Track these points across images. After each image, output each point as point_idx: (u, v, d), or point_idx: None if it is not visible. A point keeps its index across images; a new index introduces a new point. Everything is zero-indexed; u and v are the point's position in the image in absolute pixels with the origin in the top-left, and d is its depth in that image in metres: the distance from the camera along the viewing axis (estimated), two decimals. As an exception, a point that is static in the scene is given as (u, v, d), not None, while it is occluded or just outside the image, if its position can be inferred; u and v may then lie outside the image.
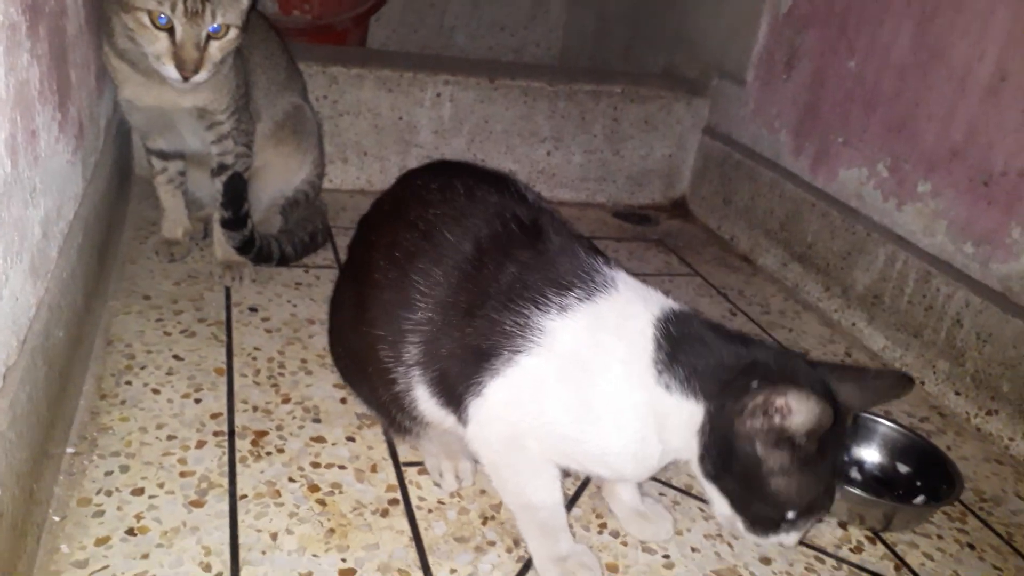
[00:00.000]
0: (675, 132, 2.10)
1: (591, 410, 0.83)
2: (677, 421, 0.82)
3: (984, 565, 1.04)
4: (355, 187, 1.95)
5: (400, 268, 0.92)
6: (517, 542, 0.95)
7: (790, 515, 0.81)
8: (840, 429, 0.81)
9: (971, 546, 1.07)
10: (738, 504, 0.82)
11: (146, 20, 1.15)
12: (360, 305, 0.97)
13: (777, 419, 0.76)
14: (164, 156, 1.44)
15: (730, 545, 1.00)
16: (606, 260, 0.90)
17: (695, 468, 0.84)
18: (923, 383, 1.43)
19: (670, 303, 0.87)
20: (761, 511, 0.81)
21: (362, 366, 0.99)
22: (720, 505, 0.84)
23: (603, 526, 1.00)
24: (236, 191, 1.35)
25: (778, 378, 0.78)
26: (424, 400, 0.93)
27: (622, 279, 0.88)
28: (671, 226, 2.06)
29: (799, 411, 0.75)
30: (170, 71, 1.19)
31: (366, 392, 1.05)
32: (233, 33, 1.21)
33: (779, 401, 0.75)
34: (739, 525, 0.84)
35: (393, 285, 0.92)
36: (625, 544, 0.98)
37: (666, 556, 0.97)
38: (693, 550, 0.99)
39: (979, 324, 1.34)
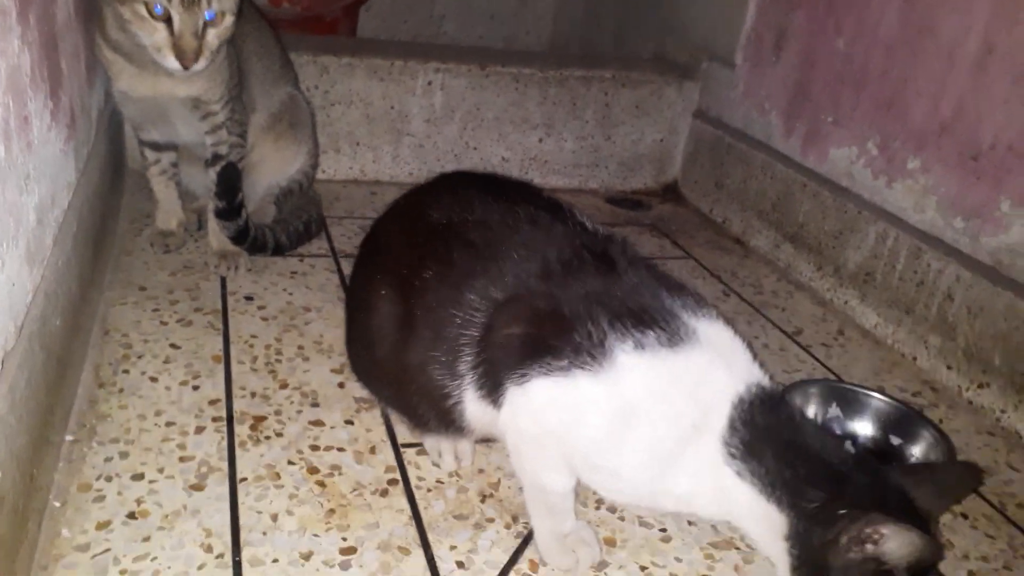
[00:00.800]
0: (666, 116, 2.11)
1: (636, 457, 0.79)
2: (749, 514, 0.78)
3: (977, 534, 1.05)
4: (348, 177, 1.95)
5: (457, 288, 0.86)
6: (515, 518, 0.96)
7: None
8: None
9: (964, 515, 1.08)
10: None
11: (143, 11, 1.15)
12: (406, 325, 0.91)
13: (871, 548, 0.71)
14: (157, 147, 1.44)
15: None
16: (693, 301, 0.83)
17: (784, 569, 0.78)
18: (915, 359, 1.45)
19: (758, 375, 0.81)
20: None
21: (403, 380, 0.93)
22: None
23: (600, 502, 1.01)
24: (230, 181, 1.36)
25: (870, 502, 0.73)
26: (471, 402, 0.88)
27: (708, 330, 0.81)
28: (664, 210, 2.06)
29: (898, 544, 0.70)
30: (171, 62, 1.18)
31: (394, 397, 1.00)
32: (228, 20, 1.21)
33: (874, 532, 0.71)
34: None
35: (450, 304, 0.86)
36: (623, 519, 0.99)
37: (663, 530, 0.98)
38: (689, 524, 1.00)
39: (970, 298, 1.35)
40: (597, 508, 1.00)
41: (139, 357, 1.16)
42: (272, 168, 1.56)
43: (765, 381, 0.81)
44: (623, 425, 0.78)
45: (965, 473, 0.86)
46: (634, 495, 0.84)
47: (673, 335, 0.78)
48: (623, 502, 0.95)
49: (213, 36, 1.20)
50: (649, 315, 0.79)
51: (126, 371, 1.13)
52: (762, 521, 0.78)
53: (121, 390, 1.09)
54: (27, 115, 0.91)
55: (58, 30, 1.10)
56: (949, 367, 1.39)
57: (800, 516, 0.75)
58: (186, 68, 1.19)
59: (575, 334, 0.78)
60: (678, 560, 0.94)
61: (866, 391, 1.20)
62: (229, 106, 1.36)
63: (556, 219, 0.89)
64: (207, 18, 1.18)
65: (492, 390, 0.85)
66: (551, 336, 0.80)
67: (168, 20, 1.16)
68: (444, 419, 0.92)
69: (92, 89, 1.38)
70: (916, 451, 1.14)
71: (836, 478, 0.75)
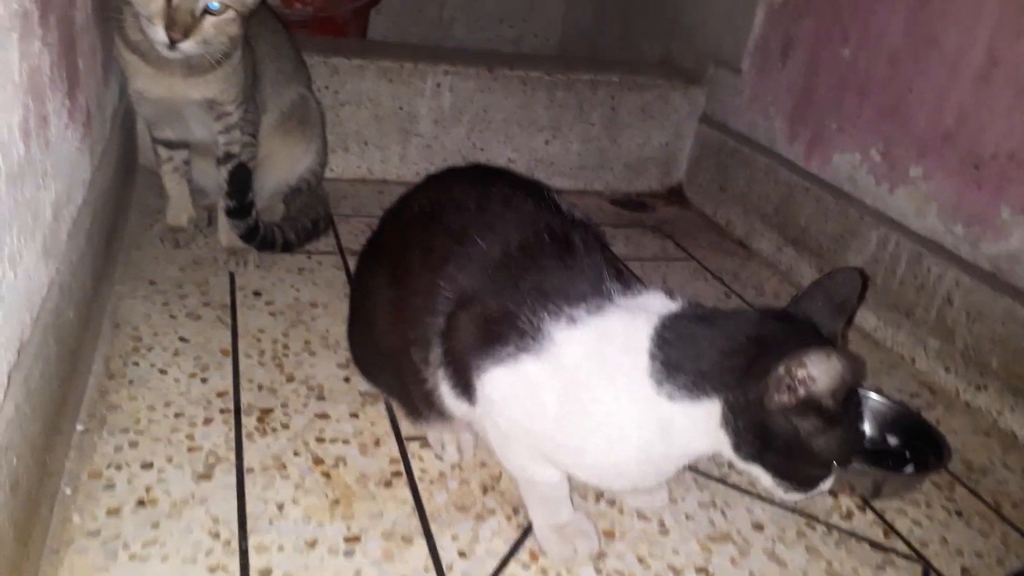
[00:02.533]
0: (672, 120, 2.12)
1: (589, 424, 0.82)
2: (691, 425, 0.81)
3: (972, 531, 1.07)
4: (356, 176, 1.98)
5: (431, 273, 0.91)
6: (516, 510, 0.98)
7: (834, 465, 0.81)
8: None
9: (959, 513, 1.10)
10: (784, 473, 0.81)
11: None
12: (394, 308, 0.97)
13: (802, 390, 0.75)
14: (170, 145, 1.47)
15: (723, 513, 1.03)
16: (625, 276, 0.90)
17: (731, 456, 0.82)
18: (914, 360, 1.46)
19: (669, 305, 0.85)
20: (807, 472, 0.81)
21: (393, 364, 0.99)
22: (765, 480, 0.83)
23: (600, 495, 1.03)
24: (241, 180, 1.38)
25: (785, 347, 0.77)
26: (448, 396, 0.93)
27: (632, 293, 0.87)
28: (668, 213, 2.08)
29: (821, 375, 0.74)
30: (158, 32, 1.18)
31: (388, 383, 1.06)
32: (230, 15, 1.22)
33: (800, 372, 0.75)
34: (788, 492, 0.83)
35: (424, 290, 0.91)
36: (621, 512, 1.01)
37: (661, 523, 1.00)
38: (687, 517, 1.02)
39: (969, 303, 1.36)
40: (597, 501, 1.02)
41: (149, 349, 1.19)
42: (282, 166, 1.59)
43: (677, 306, 0.85)
44: (573, 397, 0.82)
45: (847, 279, 0.86)
46: (608, 469, 0.86)
47: (600, 305, 0.84)
48: (617, 488, 0.96)
49: (210, 25, 1.21)
50: (581, 292, 0.85)
51: (136, 363, 1.15)
52: (706, 424, 0.80)
53: (131, 381, 1.11)
54: (46, 114, 0.93)
55: (77, 31, 1.13)
56: (947, 369, 1.40)
57: (727, 388, 0.78)
58: (172, 42, 1.18)
59: (518, 321, 0.84)
60: (675, 552, 0.96)
61: (863, 391, 1.22)
62: (243, 107, 1.39)
63: (528, 201, 0.94)
64: (210, 7, 1.20)
65: (463, 388, 0.90)
66: (498, 325, 0.85)
67: None
68: (433, 407, 0.96)
69: (107, 88, 1.40)
70: (913, 448, 1.15)
71: (748, 345, 0.79)
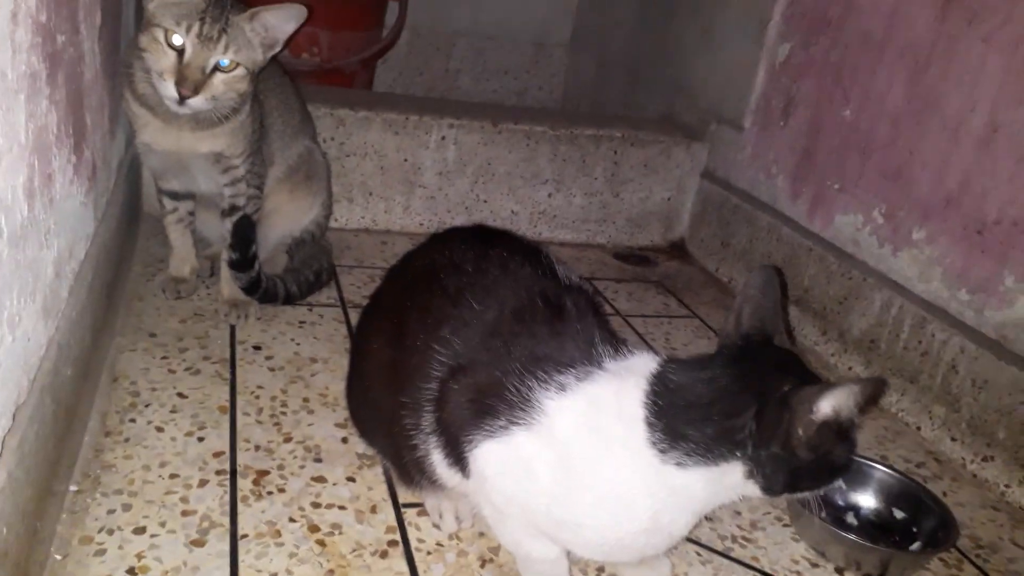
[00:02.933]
0: (674, 176, 2.14)
1: (590, 498, 0.80)
2: (713, 487, 0.80)
3: (981, 613, 1.04)
4: (360, 226, 1.98)
5: (427, 335, 0.91)
6: (515, 585, 0.96)
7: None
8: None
9: (968, 594, 1.07)
10: (814, 488, 0.82)
11: (161, 37, 1.18)
12: (389, 368, 0.96)
13: (822, 421, 0.76)
14: (176, 196, 1.47)
15: (727, 590, 1.01)
16: (616, 339, 0.89)
17: (759, 495, 0.81)
18: (919, 428, 1.45)
19: (653, 364, 0.83)
20: (831, 478, 0.82)
21: (387, 427, 0.98)
22: (794, 501, 0.84)
23: (600, 570, 1.01)
24: (244, 233, 1.38)
25: (780, 385, 0.77)
26: (440, 464, 0.91)
27: (617, 357, 0.86)
28: (670, 267, 2.08)
29: (840, 406, 0.75)
30: (168, 88, 1.19)
31: (384, 446, 1.05)
32: (240, 73, 1.24)
33: (820, 410, 0.75)
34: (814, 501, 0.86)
35: (419, 352, 0.91)
36: (622, 588, 0.99)
37: (663, 600, 0.98)
38: (690, 595, 0.99)
39: (974, 371, 1.35)
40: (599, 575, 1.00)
41: (146, 406, 1.17)
42: (286, 218, 1.59)
43: (655, 364, 0.83)
44: (569, 471, 0.80)
45: (768, 278, 0.87)
46: (612, 544, 0.84)
47: (589, 371, 0.83)
48: (622, 560, 0.94)
49: (220, 82, 1.22)
50: (570, 358, 0.83)
51: (133, 420, 1.14)
52: (726, 482, 0.79)
53: (127, 439, 1.09)
54: (51, 172, 0.93)
55: (85, 87, 1.13)
56: (953, 439, 1.38)
57: (747, 450, 0.77)
58: (182, 98, 1.19)
59: (508, 392, 0.83)
60: (677, 633, 0.94)
61: (869, 462, 1.20)
62: (250, 160, 1.39)
63: (525, 265, 0.94)
64: (220, 64, 1.21)
65: (456, 459, 0.89)
66: (489, 397, 0.84)
67: (181, 52, 1.19)
68: (425, 474, 0.95)
69: (114, 140, 1.41)
70: (919, 525, 1.13)
71: (748, 398, 0.78)
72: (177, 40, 1.18)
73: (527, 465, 0.82)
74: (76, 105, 1.08)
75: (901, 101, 1.56)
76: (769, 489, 0.79)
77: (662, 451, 0.78)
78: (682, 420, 0.78)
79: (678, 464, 0.78)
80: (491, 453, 0.84)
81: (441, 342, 0.89)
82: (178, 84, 1.19)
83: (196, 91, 1.20)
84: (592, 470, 0.80)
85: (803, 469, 0.78)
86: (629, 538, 0.83)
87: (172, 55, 1.19)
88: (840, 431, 0.77)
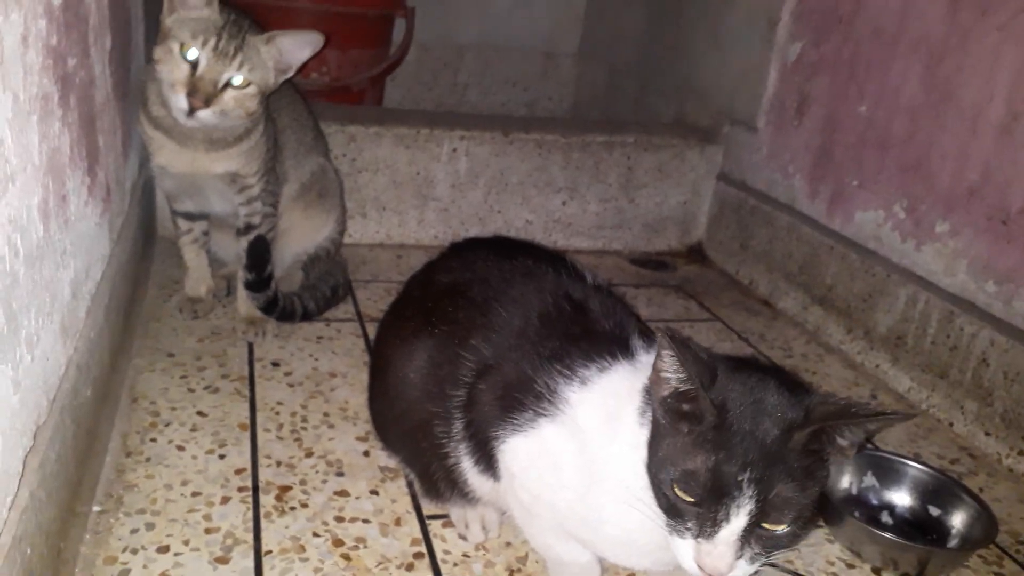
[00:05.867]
0: (689, 179, 2.12)
1: (607, 487, 0.79)
2: None
3: (1025, 611, 1.01)
4: (374, 241, 1.98)
5: (456, 345, 0.92)
6: (544, 595, 0.94)
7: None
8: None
9: (1010, 591, 1.04)
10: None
11: (176, 49, 1.19)
12: (417, 380, 0.96)
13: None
14: (191, 218, 1.48)
15: (762, 594, 0.98)
16: (644, 336, 0.89)
17: None
18: (951, 424, 1.41)
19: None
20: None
21: (415, 438, 0.98)
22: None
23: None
24: (260, 254, 1.38)
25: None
26: (470, 471, 0.93)
27: (640, 347, 0.87)
28: (689, 272, 2.06)
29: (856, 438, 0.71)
30: (180, 99, 1.20)
31: (410, 457, 1.04)
32: (252, 91, 1.24)
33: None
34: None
35: (448, 362, 0.92)
36: (654, 595, 0.96)
37: (696, 607, 0.95)
38: (724, 600, 0.97)
39: (1006, 363, 1.32)
40: (627, 583, 0.98)
41: (166, 425, 1.17)
42: (301, 236, 1.58)
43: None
44: (589, 461, 0.80)
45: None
46: (637, 543, 0.81)
47: (612, 364, 0.84)
48: (649, 566, 0.91)
49: (230, 98, 1.22)
50: (594, 352, 0.84)
51: (153, 439, 1.13)
52: None
53: (148, 459, 1.09)
54: (65, 194, 0.93)
55: (97, 109, 1.14)
56: (987, 433, 1.35)
57: None
58: (192, 109, 1.20)
59: (535, 384, 0.84)
60: (712, 640, 0.91)
61: (902, 459, 1.17)
62: (264, 179, 1.39)
63: (550, 272, 0.96)
64: (232, 81, 1.22)
65: (486, 463, 0.90)
66: (516, 392, 0.85)
67: (195, 65, 1.19)
68: (455, 485, 0.95)
69: (127, 162, 1.42)
70: (956, 521, 1.10)
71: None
72: (192, 54, 1.19)
73: (553, 459, 0.83)
74: (88, 127, 1.08)
75: (917, 94, 1.54)
76: None
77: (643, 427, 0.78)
78: None
79: None
80: (519, 448, 0.85)
81: (471, 350, 0.90)
82: (189, 95, 1.19)
83: (207, 103, 1.20)
84: (604, 455, 0.79)
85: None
86: (650, 536, 0.80)
87: (186, 67, 1.20)
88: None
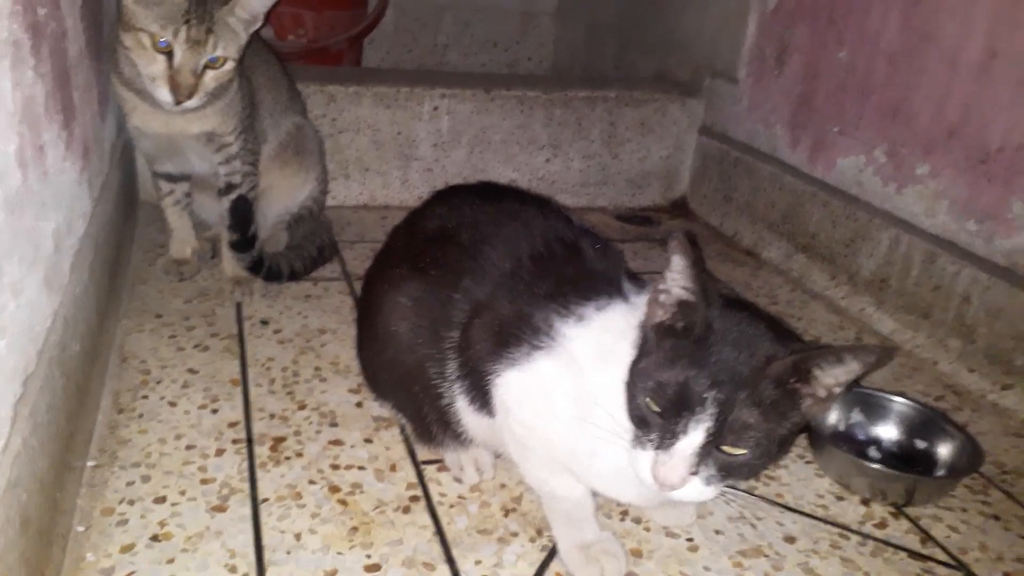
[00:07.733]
0: (672, 133, 2.12)
1: (597, 418, 0.80)
2: None
3: (1011, 535, 1.03)
4: (358, 203, 1.96)
5: (447, 288, 0.93)
6: (540, 531, 0.95)
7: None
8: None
9: (996, 517, 1.06)
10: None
11: (147, 41, 1.17)
12: (409, 324, 0.97)
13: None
14: (171, 179, 1.46)
15: (753, 526, 1.00)
16: (640, 278, 0.91)
17: None
18: (936, 363, 1.43)
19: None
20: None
21: (408, 383, 0.98)
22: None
23: (625, 513, 1.00)
24: (243, 214, 1.37)
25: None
26: (465, 411, 0.94)
27: (647, 291, 0.87)
28: (673, 226, 2.07)
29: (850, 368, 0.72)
30: (164, 94, 1.19)
31: (403, 403, 1.05)
32: (229, 65, 1.23)
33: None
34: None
35: (440, 305, 0.93)
36: (648, 530, 0.98)
37: (690, 539, 0.97)
38: (717, 532, 0.98)
39: (988, 300, 1.34)
40: (622, 520, 0.99)
41: (157, 383, 1.16)
42: (282, 195, 1.57)
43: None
44: (583, 393, 0.82)
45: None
46: (627, 475, 0.81)
47: (609, 302, 0.85)
48: (639, 499, 0.92)
49: (211, 78, 1.21)
50: (591, 291, 0.86)
51: (145, 396, 1.13)
52: None
53: (141, 415, 1.09)
54: (42, 144, 0.92)
55: (70, 64, 1.12)
56: (971, 370, 1.37)
57: None
58: (178, 103, 1.19)
59: (532, 319, 0.85)
60: (706, 569, 0.93)
61: (888, 395, 1.19)
62: (242, 136, 1.38)
63: (538, 214, 0.97)
64: (209, 60, 1.20)
65: (481, 401, 0.90)
66: (512, 328, 0.86)
67: (169, 54, 1.17)
68: (449, 427, 0.96)
69: (104, 122, 1.39)
70: (943, 452, 1.12)
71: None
72: (164, 44, 1.16)
73: (547, 392, 0.84)
74: (63, 81, 1.06)
75: (896, 37, 1.54)
76: None
77: None
78: None
79: None
80: (514, 382, 0.85)
81: (463, 292, 0.91)
82: (173, 91, 1.18)
83: (191, 95, 1.19)
84: (598, 385, 0.81)
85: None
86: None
87: (162, 60, 1.17)
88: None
